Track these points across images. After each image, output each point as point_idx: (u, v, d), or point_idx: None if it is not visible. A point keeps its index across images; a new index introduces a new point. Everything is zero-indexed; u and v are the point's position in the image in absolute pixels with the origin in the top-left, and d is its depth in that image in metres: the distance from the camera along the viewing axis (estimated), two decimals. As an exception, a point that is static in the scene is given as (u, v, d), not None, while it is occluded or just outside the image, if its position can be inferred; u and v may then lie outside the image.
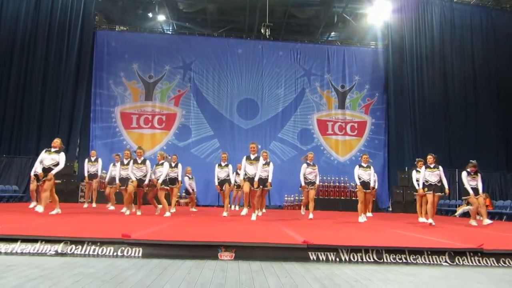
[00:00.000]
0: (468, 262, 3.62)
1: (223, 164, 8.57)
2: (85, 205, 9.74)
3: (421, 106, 15.08)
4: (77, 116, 13.96)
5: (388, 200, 14.76)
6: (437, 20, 15.62)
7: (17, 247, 3.44)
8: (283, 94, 15.62)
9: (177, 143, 14.74)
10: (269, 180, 7.73)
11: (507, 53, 15.34)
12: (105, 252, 3.45)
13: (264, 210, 10.97)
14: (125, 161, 8.53)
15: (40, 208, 6.65)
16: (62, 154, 7.05)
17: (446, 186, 7.67)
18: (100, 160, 9.77)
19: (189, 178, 10.39)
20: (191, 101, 15.25)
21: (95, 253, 3.44)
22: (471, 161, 8.06)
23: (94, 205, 9.74)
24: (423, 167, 7.72)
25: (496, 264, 3.62)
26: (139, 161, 7.58)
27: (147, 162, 7.64)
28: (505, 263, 3.64)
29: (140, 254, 3.44)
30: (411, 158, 13.92)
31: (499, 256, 3.68)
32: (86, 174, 9.60)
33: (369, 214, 8.17)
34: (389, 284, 2.77)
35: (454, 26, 15.65)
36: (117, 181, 8.43)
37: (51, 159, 6.90)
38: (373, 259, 3.57)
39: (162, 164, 7.80)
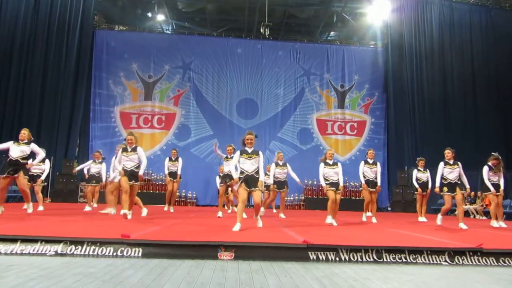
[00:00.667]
0: (468, 262, 3.62)
1: (229, 156, 7.84)
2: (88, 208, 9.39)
3: (420, 105, 15.09)
4: (77, 116, 13.96)
5: (387, 199, 14.77)
6: (436, 20, 15.63)
7: (17, 247, 3.44)
8: (283, 93, 15.62)
9: (176, 142, 14.74)
10: (297, 179, 8.25)
11: (507, 52, 15.36)
12: (105, 252, 3.45)
13: (263, 210, 10.98)
14: (97, 161, 8.69)
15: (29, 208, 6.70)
16: (34, 145, 6.60)
17: (467, 185, 6.82)
18: (104, 163, 9.02)
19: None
20: (190, 100, 15.25)
21: (95, 253, 3.44)
22: (492, 153, 7.36)
23: (95, 204, 9.62)
24: (441, 163, 6.78)
25: (496, 264, 3.63)
26: (129, 149, 6.24)
27: (140, 149, 6.27)
28: (504, 262, 3.64)
29: (139, 254, 3.45)
30: (411, 158, 13.95)
31: (499, 255, 3.69)
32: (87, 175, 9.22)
33: (369, 214, 8.03)
34: (388, 284, 2.77)
35: (453, 25, 15.67)
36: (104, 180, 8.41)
37: (20, 151, 6.39)
38: (373, 258, 3.57)
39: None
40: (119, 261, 3.24)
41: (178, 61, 15.38)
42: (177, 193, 11.53)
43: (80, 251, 3.44)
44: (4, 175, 6.29)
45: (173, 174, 9.17)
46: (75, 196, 12.93)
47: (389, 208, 14.39)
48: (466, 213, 11.03)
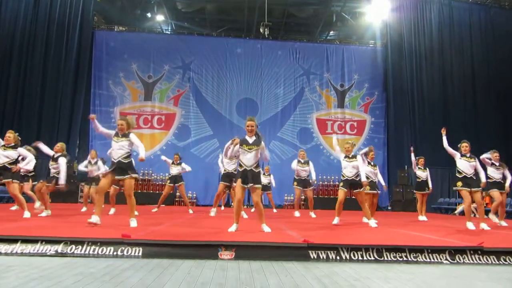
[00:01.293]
0: (468, 260, 3.63)
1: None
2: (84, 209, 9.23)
3: (420, 104, 15.09)
4: (77, 117, 13.96)
5: (387, 199, 14.77)
6: (435, 19, 15.63)
7: (17, 247, 3.44)
8: (282, 93, 15.62)
9: (176, 143, 14.74)
10: (313, 178, 8.07)
11: (506, 51, 15.34)
12: (105, 252, 3.45)
13: (275, 210, 11.02)
14: (92, 161, 8.22)
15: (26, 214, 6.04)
16: (21, 150, 6.11)
17: (484, 179, 6.34)
18: (100, 162, 8.63)
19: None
20: (190, 101, 15.24)
21: (95, 253, 3.44)
22: (493, 150, 7.21)
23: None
24: (458, 155, 6.44)
25: (496, 262, 3.63)
26: (120, 135, 5.14)
27: (133, 135, 5.17)
28: (505, 261, 3.64)
29: (140, 254, 3.44)
30: (411, 157, 13.93)
31: (499, 254, 3.69)
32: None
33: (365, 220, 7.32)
34: (389, 283, 2.77)
35: (453, 24, 15.66)
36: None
37: (5, 156, 5.86)
38: (374, 257, 3.57)
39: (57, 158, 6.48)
40: (120, 261, 3.24)
41: (178, 61, 15.38)
42: (173, 194, 11.51)
43: (81, 251, 3.44)
44: None
45: (174, 179, 9.10)
46: (75, 197, 12.92)
47: (389, 208, 14.39)
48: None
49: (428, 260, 3.59)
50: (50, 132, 13.65)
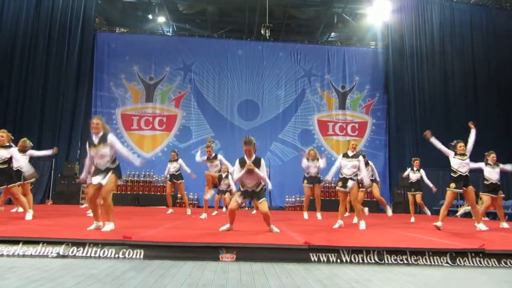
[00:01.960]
0: (470, 263, 3.62)
1: (210, 157, 7.65)
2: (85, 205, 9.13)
3: (421, 106, 15.08)
4: (78, 118, 13.98)
5: (389, 200, 14.74)
6: (437, 20, 15.62)
7: (19, 249, 3.45)
8: (284, 95, 15.62)
9: (178, 144, 14.74)
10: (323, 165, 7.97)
11: (508, 51, 15.33)
12: (107, 254, 3.46)
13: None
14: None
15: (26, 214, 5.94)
16: (14, 151, 5.91)
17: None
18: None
19: None
20: (191, 102, 15.26)
21: (97, 255, 3.45)
22: (491, 152, 7.04)
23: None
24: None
25: (498, 265, 3.62)
26: (96, 140, 4.73)
27: (111, 137, 4.74)
28: (506, 263, 3.63)
29: (141, 256, 3.45)
30: (412, 158, 13.92)
31: (501, 256, 3.68)
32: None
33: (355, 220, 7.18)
34: (390, 285, 2.77)
35: (454, 25, 15.65)
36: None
37: None
38: (374, 260, 3.57)
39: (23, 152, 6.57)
40: (121, 263, 3.25)
41: (179, 63, 15.41)
42: (174, 195, 11.51)
43: (82, 253, 3.45)
44: None
45: (174, 177, 9.16)
46: (77, 198, 12.94)
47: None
48: (468, 214, 11.01)
49: (429, 262, 3.58)
50: (52, 134, 13.68)
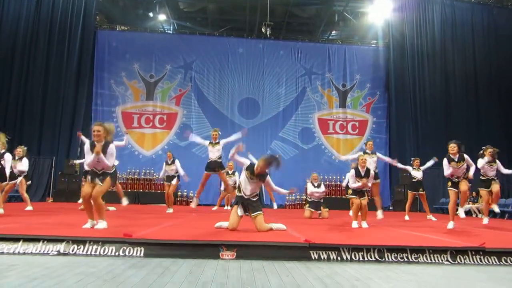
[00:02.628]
0: (470, 261, 3.62)
1: (214, 142, 7.94)
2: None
3: (422, 104, 15.06)
4: (79, 116, 13.99)
5: (389, 199, 14.75)
6: (438, 18, 15.59)
7: (19, 246, 3.46)
8: (284, 93, 15.61)
9: (178, 142, 14.75)
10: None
11: (509, 50, 15.30)
12: (107, 252, 3.46)
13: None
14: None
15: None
16: (8, 155, 5.97)
17: (471, 172, 6.10)
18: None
19: None
20: (192, 100, 15.25)
21: (97, 252, 3.45)
22: (488, 146, 6.79)
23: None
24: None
25: (498, 263, 3.62)
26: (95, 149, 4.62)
27: (112, 148, 4.75)
28: (507, 261, 3.63)
29: (141, 254, 3.45)
30: (413, 157, 13.92)
31: (501, 254, 3.68)
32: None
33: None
34: (390, 283, 2.77)
35: (455, 24, 15.62)
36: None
37: None
38: (375, 258, 3.57)
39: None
40: (121, 261, 3.25)
41: (180, 61, 15.39)
42: (175, 194, 11.55)
43: (82, 251, 3.45)
44: None
45: (170, 178, 9.14)
46: (77, 196, 12.93)
47: (390, 208, 14.36)
48: (469, 213, 11.03)
49: (430, 260, 3.58)
50: (52, 132, 13.70)
